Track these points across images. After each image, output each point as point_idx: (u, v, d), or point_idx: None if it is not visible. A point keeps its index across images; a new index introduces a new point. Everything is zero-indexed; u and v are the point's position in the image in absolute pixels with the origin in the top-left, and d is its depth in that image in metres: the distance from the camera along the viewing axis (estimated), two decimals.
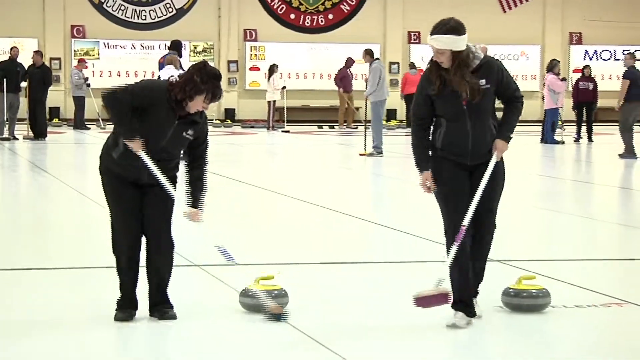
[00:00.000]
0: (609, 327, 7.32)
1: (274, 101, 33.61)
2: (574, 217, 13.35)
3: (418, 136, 7.00)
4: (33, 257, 10.03)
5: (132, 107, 6.75)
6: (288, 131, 32.75)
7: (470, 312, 6.83)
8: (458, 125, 6.81)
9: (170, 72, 21.53)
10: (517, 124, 7.08)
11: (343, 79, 34.38)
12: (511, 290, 7.17)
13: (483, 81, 6.76)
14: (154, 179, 6.84)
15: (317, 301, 8.01)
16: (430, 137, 7.00)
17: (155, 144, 6.81)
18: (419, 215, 14.15)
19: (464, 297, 6.83)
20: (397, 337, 6.81)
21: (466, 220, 6.78)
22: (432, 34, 6.85)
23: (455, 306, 6.81)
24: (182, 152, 7.05)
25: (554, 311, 7.22)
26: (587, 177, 20.42)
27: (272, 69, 33.63)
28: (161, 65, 22.16)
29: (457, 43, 6.75)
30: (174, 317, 6.97)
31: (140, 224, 6.96)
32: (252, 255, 10.30)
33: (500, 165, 6.93)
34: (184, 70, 21.83)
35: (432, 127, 6.98)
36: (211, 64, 29.93)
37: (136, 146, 6.73)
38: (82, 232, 11.66)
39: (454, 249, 6.77)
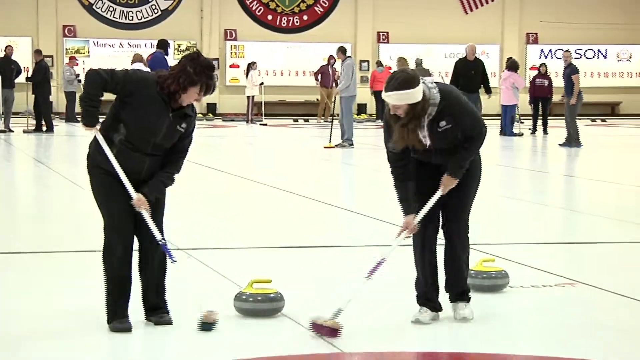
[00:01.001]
0: (562, 305, 7.35)
1: (253, 96, 33.64)
2: (530, 203, 13.40)
3: (397, 175, 6.51)
4: (29, 242, 10.01)
5: (113, 91, 6.21)
6: (266, 124, 32.78)
7: (434, 307, 6.50)
8: (426, 153, 6.39)
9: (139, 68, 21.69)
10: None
11: (322, 74, 34.36)
12: (472, 272, 7.16)
13: (443, 122, 6.24)
14: (149, 177, 6.32)
15: (293, 281, 8.03)
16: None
17: (150, 138, 6.23)
18: (387, 200, 14.19)
19: (427, 294, 6.53)
20: (365, 311, 6.83)
21: (421, 215, 6.42)
22: (385, 90, 6.19)
23: (419, 301, 6.55)
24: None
25: (512, 291, 7.25)
26: (542, 167, 20.49)
27: (250, 67, 33.63)
28: (149, 63, 22.10)
29: (411, 95, 6.11)
30: (169, 322, 6.38)
31: (134, 224, 6.33)
32: (232, 239, 10.30)
33: (474, 165, 6.50)
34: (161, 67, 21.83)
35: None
36: None
37: (93, 131, 6.20)
38: (74, 218, 11.62)
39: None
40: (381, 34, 38.45)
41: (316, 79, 34.44)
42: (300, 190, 14.44)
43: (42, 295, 7.44)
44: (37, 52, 28.87)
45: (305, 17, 38.38)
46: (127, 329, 6.22)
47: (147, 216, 6.22)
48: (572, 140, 22.78)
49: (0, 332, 6.34)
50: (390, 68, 32.89)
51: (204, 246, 9.64)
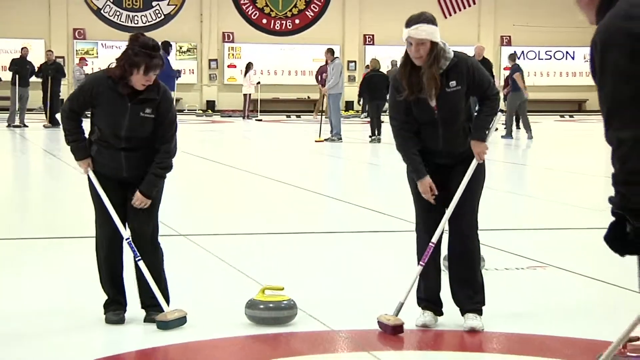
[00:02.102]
0: (533, 286, 7.36)
1: (249, 94, 33.62)
2: (504, 193, 13.41)
3: (402, 136, 5.90)
4: (40, 228, 10.00)
5: (84, 109, 5.94)
6: (261, 120, 32.76)
7: (437, 311, 6.00)
8: (430, 131, 5.82)
9: None
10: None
11: (322, 74, 34.28)
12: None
13: (453, 82, 5.75)
14: (135, 176, 5.92)
15: (284, 265, 8.03)
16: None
17: (118, 132, 5.85)
18: (374, 190, 14.20)
19: (430, 297, 5.99)
20: (351, 291, 6.84)
21: (435, 237, 5.83)
22: (410, 25, 5.74)
23: (422, 304, 6.01)
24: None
25: (488, 273, 7.24)
26: (516, 159, 20.51)
27: (249, 67, 33.63)
28: None
29: (436, 34, 5.72)
30: (122, 321, 5.98)
31: (122, 221, 5.95)
32: (228, 225, 10.30)
33: (479, 166, 5.89)
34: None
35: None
36: (194, 62, 29.45)
37: (84, 167, 5.97)
38: (82, 204, 11.62)
39: (418, 268, 5.87)
40: (367, 36, 38.46)
41: (317, 79, 34.36)
42: (292, 180, 14.43)
43: (51, 276, 7.43)
44: (50, 52, 28.85)
45: (297, 21, 38.36)
46: (119, 321, 5.97)
47: (115, 215, 5.90)
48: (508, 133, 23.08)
49: (15, 309, 6.33)
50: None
51: (202, 232, 9.63)
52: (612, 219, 3.13)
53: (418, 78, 5.74)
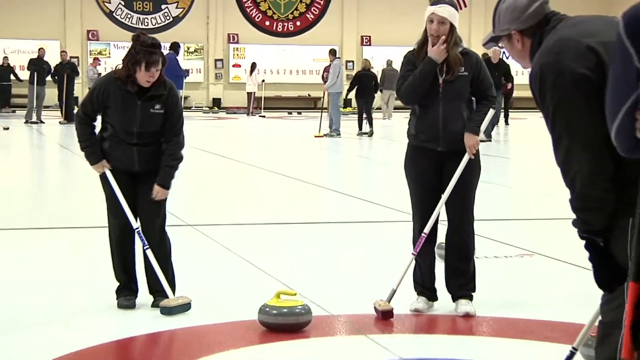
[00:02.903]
0: (521, 273, 7.36)
1: (253, 92, 33.62)
2: (493, 185, 13.40)
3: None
4: (55, 218, 10.00)
5: (97, 112, 5.96)
6: (264, 116, 32.76)
7: (431, 297, 5.97)
8: (431, 108, 5.79)
9: None
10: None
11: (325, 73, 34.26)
12: (443, 243, 7.07)
13: (462, 68, 5.77)
14: (146, 170, 5.96)
15: (286, 253, 8.03)
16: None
17: (130, 129, 5.89)
18: (371, 183, 14.20)
19: (425, 283, 5.95)
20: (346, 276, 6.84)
21: (427, 228, 5.79)
22: (435, 4, 5.71)
23: (417, 289, 5.98)
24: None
25: (478, 261, 7.23)
26: (505, 153, 20.49)
27: (253, 67, 33.64)
28: None
29: (456, 18, 5.75)
30: (133, 307, 5.98)
31: (133, 212, 5.96)
32: (233, 216, 10.29)
33: (475, 160, 5.84)
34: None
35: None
36: (201, 62, 29.50)
37: (98, 169, 5.98)
38: (95, 195, 11.61)
39: (411, 258, 5.87)
40: (364, 37, 38.43)
41: (322, 78, 34.26)
42: (293, 173, 14.42)
43: (65, 264, 7.42)
44: (64, 53, 28.88)
45: (298, 23, 38.36)
46: (130, 306, 5.97)
47: (125, 205, 5.91)
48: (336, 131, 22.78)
49: (31, 294, 6.33)
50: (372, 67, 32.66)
51: (208, 222, 9.63)
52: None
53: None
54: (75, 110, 6.41)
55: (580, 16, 3.29)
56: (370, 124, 22.88)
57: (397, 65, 30.66)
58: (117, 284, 6.09)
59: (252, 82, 33.44)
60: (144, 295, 6.06)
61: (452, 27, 5.75)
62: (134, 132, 5.91)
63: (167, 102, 5.96)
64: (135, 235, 6.02)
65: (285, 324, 5.38)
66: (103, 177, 6.03)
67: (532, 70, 3.18)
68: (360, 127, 23.09)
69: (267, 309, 5.42)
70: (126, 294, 6.04)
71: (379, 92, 29.34)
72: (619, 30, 2.40)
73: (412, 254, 5.87)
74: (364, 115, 23.25)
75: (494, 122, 20.57)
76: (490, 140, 20.50)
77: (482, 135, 5.98)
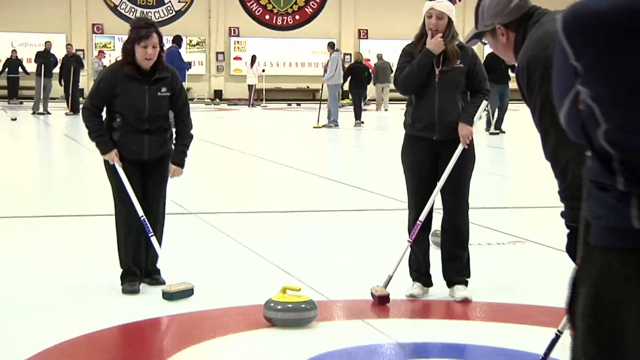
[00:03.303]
0: (513, 259, 7.37)
1: (254, 84, 33.59)
2: (487, 174, 13.41)
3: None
4: (61, 206, 10.00)
5: (105, 102, 5.96)
6: (266, 106, 32.76)
7: (426, 282, 5.99)
8: (427, 98, 5.79)
9: None
10: None
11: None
12: (437, 231, 7.05)
13: (458, 60, 5.81)
14: (153, 158, 6.04)
15: (283, 238, 8.03)
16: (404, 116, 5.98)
17: (141, 115, 5.95)
18: (367, 172, 14.20)
19: (420, 269, 5.97)
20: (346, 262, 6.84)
21: (423, 216, 5.80)
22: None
23: (412, 275, 5.99)
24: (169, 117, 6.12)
25: (472, 248, 7.24)
26: (498, 143, 20.49)
27: (254, 59, 33.61)
28: (165, 55, 22.33)
29: (453, 12, 5.82)
30: (163, 282, 6.03)
31: (140, 200, 6.00)
32: (234, 204, 10.30)
33: (470, 148, 5.84)
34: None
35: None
36: (202, 55, 29.59)
37: (110, 158, 5.95)
38: (100, 184, 11.61)
39: (406, 245, 5.89)
40: (361, 30, 38.39)
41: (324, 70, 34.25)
42: (293, 163, 14.42)
43: (71, 250, 7.43)
44: (70, 46, 28.87)
45: (297, 17, 38.30)
46: (135, 291, 5.98)
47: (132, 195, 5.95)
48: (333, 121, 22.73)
49: (39, 280, 6.34)
50: (368, 60, 32.66)
51: (210, 210, 9.63)
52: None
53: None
54: (82, 103, 6.40)
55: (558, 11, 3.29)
56: (359, 115, 23.26)
57: (389, 58, 30.82)
58: (121, 270, 6.09)
59: (252, 74, 33.40)
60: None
61: (449, 21, 5.80)
62: (145, 117, 5.95)
63: (172, 85, 6.06)
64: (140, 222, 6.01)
65: (289, 320, 5.18)
66: (110, 167, 6.02)
67: (518, 65, 3.17)
68: (357, 117, 23.13)
69: (272, 304, 5.21)
70: (130, 280, 6.05)
71: (373, 85, 29.69)
72: (557, 29, 2.42)
73: (408, 241, 5.89)
74: (359, 106, 23.44)
75: (502, 115, 20.42)
76: (504, 132, 20.41)
77: (492, 128, 6.01)
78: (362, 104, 23.69)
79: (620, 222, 2.27)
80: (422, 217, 5.83)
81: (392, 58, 30.43)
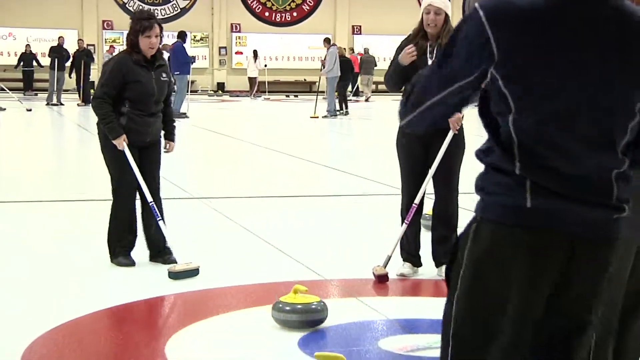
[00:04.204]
0: None
1: (256, 77, 33.61)
2: (475, 160, 13.40)
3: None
4: (73, 191, 9.97)
5: (117, 90, 5.98)
6: (269, 98, 32.76)
7: (415, 262, 6.00)
8: None
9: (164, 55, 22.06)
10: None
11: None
12: (428, 215, 6.94)
13: None
14: (152, 141, 6.14)
15: (282, 222, 8.02)
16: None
17: (150, 98, 6.05)
18: (362, 158, 14.17)
19: (411, 250, 5.98)
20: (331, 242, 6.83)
21: (417, 199, 5.79)
22: None
23: (403, 256, 5.99)
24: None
25: (459, 231, 7.23)
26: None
27: (255, 54, 33.57)
28: (170, 50, 22.54)
29: (449, 7, 5.79)
30: (175, 261, 6.02)
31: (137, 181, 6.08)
32: (237, 189, 10.28)
33: (460, 134, 5.81)
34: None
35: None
36: (206, 49, 29.69)
37: (120, 143, 5.97)
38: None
39: (403, 227, 5.85)
40: (355, 26, 38.32)
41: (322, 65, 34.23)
42: (292, 151, 14.39)
43: (76, 232, 7.41)
44: (81, 41, 28.83)
45: (295, 14, 38.22)
46: (131, 263, 6.07)
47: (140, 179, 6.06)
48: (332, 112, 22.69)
49: (47, 262, 6.32)
50: (362, 54, 32.55)
51: (215, 195, 9.62)
52: None
53: (424, 43, 5.78)
54: (92, 94, 6.41)
55: None
56: (346, 105, 23.55)
57: (384, 53, 30.94)
58: (115, 249, 6.18)
59: (255, 67, 33.39)
60: (147, 260, 6.04)
61: (446, 17, 5.79)
62: (153, 100, 6.06)
63: (168, 71, 6.26)
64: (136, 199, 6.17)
65: (299, 321, 4.73)
66: (110, 153, 6.05)
67: None
68: (341, 107, 23.32)
69: (280, 305, 4.77)
70: (124, 253, 6.13)
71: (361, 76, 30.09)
72: (478, 8, 2.37)
73: (405, 223, 5.85)
74: (344, 96, 23.76)
75: None
76: None
77: None
78: (350, 94, 23.84)
79: (515, 200, 2.34)
80: (416, 201, 5.82)
81: (386, 53, 30.60)
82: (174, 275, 5.80)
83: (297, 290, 4.77)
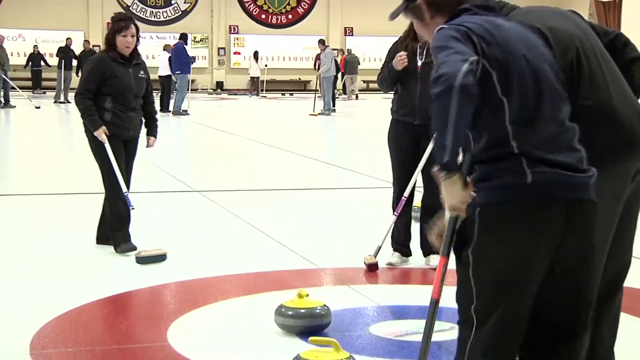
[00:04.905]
0: None
1: (258, 77, 33.63)
2: None
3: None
4: (80, 184, 9.96)
5: (97, 85, 6.08)
6: (265, 96, 32.75)
7: (405, 252, 6.01)
8: (410, 87, 5.77)
9: (166, 55, 22.83)
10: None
11: (317, 60, 34.22)
12: (417, 207, 6.92)
13: None
14: (133, 135, 6.23)
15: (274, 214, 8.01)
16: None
17: (129, 93, 6.14)
18: (357, 154, 14.17)
19: (400, 241, 5.99)
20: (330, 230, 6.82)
21: (407, 192, 5.78)
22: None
23: (393, 246, 6.00)
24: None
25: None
26: None
27: (256, 54, 33.54)
28: (172, 51, 22.66)
29: None
30: (135, 248, 6.10)
31: (123, 174, 6.18)
32: (234, 183, 10.27)
33: None
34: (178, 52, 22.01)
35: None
36: (206, 50, 29.66)
37: (100, 134, 6.07)
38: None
39: (393, 218, 5.85)
40: (347, 28, 38.28)
41: (314, 65, 34.20)
42: (289, 147, 14.37)
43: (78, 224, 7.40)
44: (87, 42, 28.77)
45: (290, 16, 38.15)
46: (134, 247, 6.10)
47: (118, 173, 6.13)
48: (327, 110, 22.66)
49: (52, 250, 6.31)
50: (345, 56, 32.57)
51: (213, 188, 9.60)
52: None
53: (415, 44, 5.78)
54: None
55: (530, 6, 3.25)
56: (333, 103, 23.59)
57: (375, 53, 31.01)
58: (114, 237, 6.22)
59: (256, 67, 33.44)
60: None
61: None
62: (132, 95, 6.14)
63: (146, 69, 6.34)
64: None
65: (303, 327, 4.36)
66: (97, 147, 6.15)
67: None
68: (333, 104, 23.36)
69: (283, 310, 4.43)
70: (126, 240, 6.17)
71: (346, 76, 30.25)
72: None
73: (395, 214, 5.84)
74: (333, 95, 23.95)
75: None
76: None
77: None
78: (337, 93, 23.92)
79: (515, 179, 2.53)
80: (406, 193, 5.81)
81: (377, 54, 30.61)
82: (141, 260, 5.84)
83: (301, 295, 4.47)
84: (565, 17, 3.19)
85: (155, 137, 6.45)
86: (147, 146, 6.43)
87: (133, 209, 6.10)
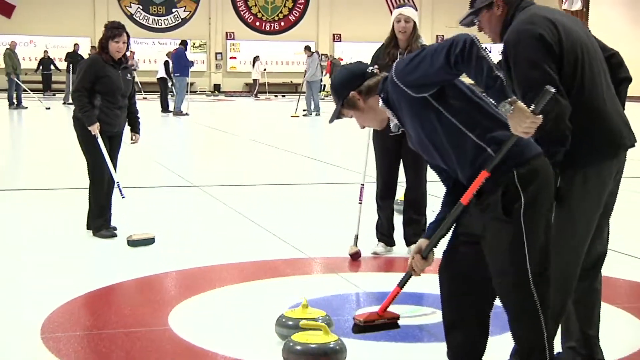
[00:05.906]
0: None
1: (258, 79, 33.59)
2: None
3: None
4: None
5: (91, 84, 6.24)
6: (259, 98, 32.70)
7: (389, 242, 5.99)
8: None
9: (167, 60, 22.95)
10: None
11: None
12: (400, 200, 6.94)
13: None
14: (118, 131, 6.40)
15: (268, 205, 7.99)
16: None
17: (118, 93, 6.31)
18: (345, 152, 14.16)
19: (384, 231, 5.98)
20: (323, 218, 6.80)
21: (362, 180, 5.85)
22: (400, 7, 5.73)
23: (377, 236, 5.99)
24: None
25: (428, 214, 7.23)
26: None
27: (256, 59, 33.50)
28: (173, 55, 22.75)
29: (417, 18, 5.74)
30: (115, 235, 6.31)
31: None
32: (232, 178, 10.25)
33: None
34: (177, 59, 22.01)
35: None
36: (204, 55, 29.53)
37: (94, 129, 6.23)
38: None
39: (358, 207, 5.90)
40: (335, 35, 38.26)
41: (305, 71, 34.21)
42: (278, 144, 14.35)
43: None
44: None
45: (282, 23, 38.14)
46: (114, 235, 6.29)
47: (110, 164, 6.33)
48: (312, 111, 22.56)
49: (53, 241, 6.28)
50: (341, 59, 32.58)
51: (213, 184, 9.58)
52: None
53: (396, 52, 5.75)
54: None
55: (544, 5, 3.30)
56: (319, 106, 23.43)
57: (363, 58, 31.18)
58: (96, 224, 6.36)
59: (256, 71, 33.43)
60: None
61: (414, 24, 5.76)
62: (120, 95, 6.31)
63: (132, 72, 6.59)
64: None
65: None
66: (87, 141, 6.31)
67: (508, 35, 3.13)
68: (309, 107, 23.19)
69: (282, 321, 3.97)
70: (106, 227, 6.35)
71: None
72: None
73: (359, 202, 5.96)
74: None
75: None
76: None
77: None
78: (322, 96, 23.87)
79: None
80: (362, 181, 5.94)
81: (363, 58, 30.50)
82: (132, 243, 5.98)
83: (306, 305, 4.02)
84: (575, 21, 3.27)
85: (139, 134, 6.61)
86: (131, 142, 6.59)
87: (124, 197, 6.26)
